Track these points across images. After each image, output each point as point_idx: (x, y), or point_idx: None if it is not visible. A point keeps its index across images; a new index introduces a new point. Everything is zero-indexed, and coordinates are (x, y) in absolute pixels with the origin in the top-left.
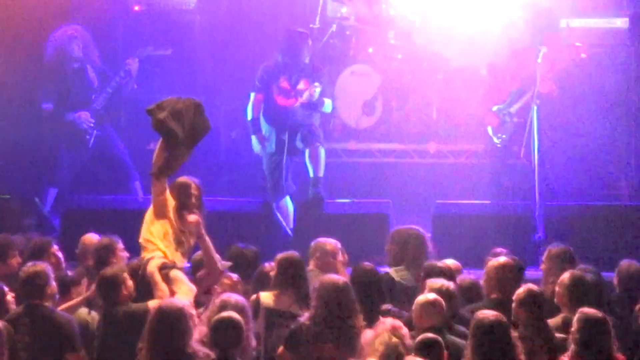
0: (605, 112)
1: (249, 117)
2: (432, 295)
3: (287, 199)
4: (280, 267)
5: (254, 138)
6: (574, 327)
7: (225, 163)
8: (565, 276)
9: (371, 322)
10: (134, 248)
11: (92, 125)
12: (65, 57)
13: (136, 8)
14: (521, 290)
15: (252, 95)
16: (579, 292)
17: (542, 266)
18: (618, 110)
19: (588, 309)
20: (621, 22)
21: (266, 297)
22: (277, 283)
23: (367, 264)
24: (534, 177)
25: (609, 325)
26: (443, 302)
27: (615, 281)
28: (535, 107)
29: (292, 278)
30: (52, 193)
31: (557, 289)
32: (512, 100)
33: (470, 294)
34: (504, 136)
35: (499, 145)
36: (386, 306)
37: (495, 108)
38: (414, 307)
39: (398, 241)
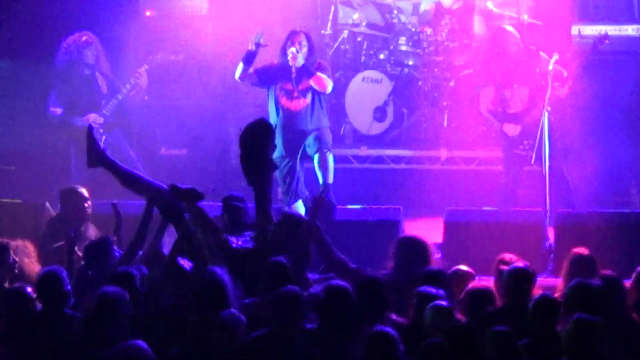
0: (615, 119)
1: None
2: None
3: (300, 203)
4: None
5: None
6: (566, 333)
7: (237, 169)
8: (572, 284)
9: None
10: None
11: (100, 128)
12: (77, 63)
13: (148, 13)
14: (537, 297)
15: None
16: (580, 301)
17: (562, 272)
18: (629, 117)
19: (583, 314)
20: (632, 30)
21: None
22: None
23: (371, 274)
24: (545, 184)
25: (602, 331)
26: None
27: (630, 287)
28: (546, 114)
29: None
30: None
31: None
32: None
33: (482, 300)
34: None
35: (523, 154)
36: (392, 315)
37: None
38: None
39: (397, 247)
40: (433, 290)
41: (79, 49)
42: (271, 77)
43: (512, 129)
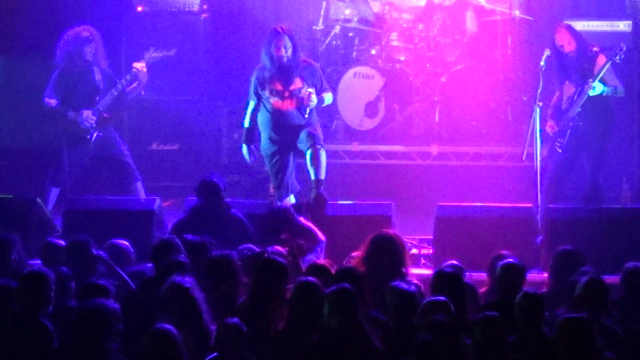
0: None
1: (245, 125)
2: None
3: (292, 198)
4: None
5: (244, 147)
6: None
7: (227, 164)
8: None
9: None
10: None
11: (93, 124)
12: (76, 57)
13: (139, 8)
14: (520, 295)
15: (251, 104)
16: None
17: (549, 268)
18: (621, 112)
19: (572, 313)
20: (624, 25)
21: None
22: None
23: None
24: (537, 180)
25: (590, 328)
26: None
27: (620, 284)
28: (537, 109)
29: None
30: (54, 193)
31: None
32: (571, 103)
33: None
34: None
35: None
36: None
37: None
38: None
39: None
40: (405, 285)
41: (78, 44)
42: (262, 85)
43: (548, 126)
